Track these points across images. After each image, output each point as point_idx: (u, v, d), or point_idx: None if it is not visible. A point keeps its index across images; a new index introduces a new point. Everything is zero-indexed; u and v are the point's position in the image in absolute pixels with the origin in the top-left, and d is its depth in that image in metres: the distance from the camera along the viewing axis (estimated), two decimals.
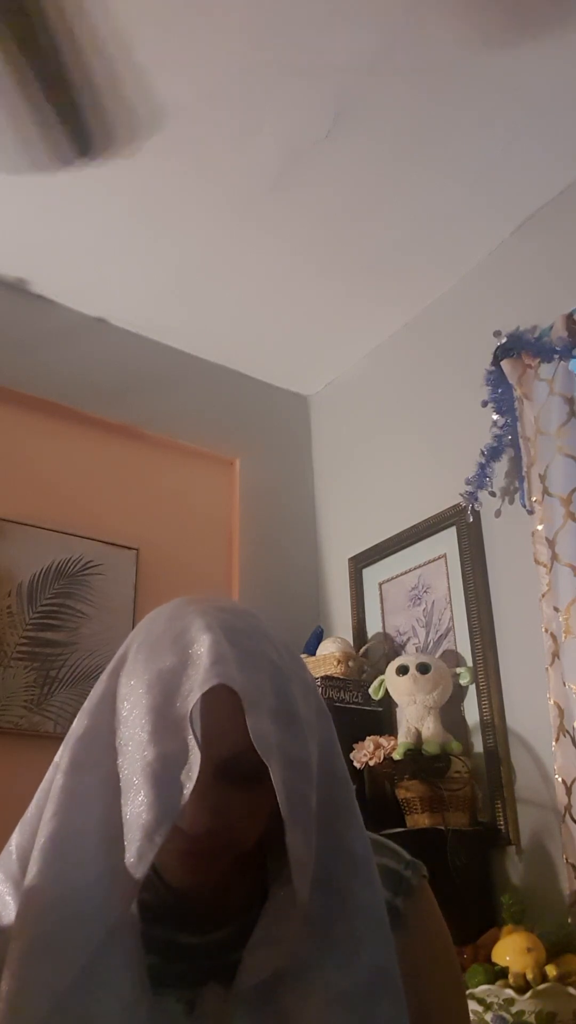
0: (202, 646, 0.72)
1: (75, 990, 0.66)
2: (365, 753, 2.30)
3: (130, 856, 0.67)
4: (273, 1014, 0.70)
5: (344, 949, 0.70)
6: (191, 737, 0.68)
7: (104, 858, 0.69)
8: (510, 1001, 1.60)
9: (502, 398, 2.41)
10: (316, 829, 0.71)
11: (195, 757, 0.68)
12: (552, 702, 2.04)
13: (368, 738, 2.34)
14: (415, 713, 2.31)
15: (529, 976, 1.63)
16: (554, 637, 2.07)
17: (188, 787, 0.67)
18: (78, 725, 0.76)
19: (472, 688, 2.37)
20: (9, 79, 2.02)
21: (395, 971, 0.71)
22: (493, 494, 2.43)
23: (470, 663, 2.39)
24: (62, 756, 0.75)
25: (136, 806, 0.68)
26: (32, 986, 0.65)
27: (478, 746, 2.30)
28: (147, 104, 2.16)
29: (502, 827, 2.16)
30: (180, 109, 2.18)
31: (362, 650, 2.72)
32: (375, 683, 2.49)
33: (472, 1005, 1.64)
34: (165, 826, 0.67)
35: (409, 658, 2.40)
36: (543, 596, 2.13)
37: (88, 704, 0.77)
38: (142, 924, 0.71)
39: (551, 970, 1.65)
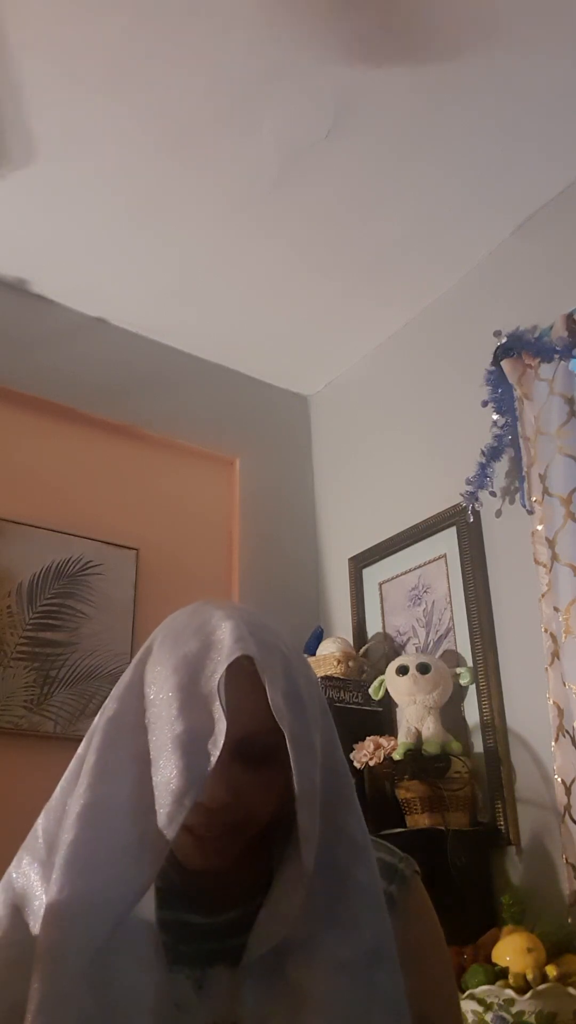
0: (224, 631, 0.78)
1: (101, 952, 0.70)
2: (365, 753, 2.29)
3: (161, 820, 0.72)
4: (281, 984, 0.76)
5: (345, 925, 0.76)
6: (217, 709, 0.74)
7: (135, 824, 0.74)
8: (510, 1001, 1.60)
9: (502, 398, 2.41)
10: (320, 811, 0.77)
11: (221, 726, 0.73)
12: (552, 702, 2.04)
13: (368, 738, 2.33)
14: (415, 713, 2.31)
15: (529, 976, 1.63)
16: (554, 637, 2.07)
17: (215, 755, 0.73)
18: (108, 708, 0.81)
19: (472, 688, 2.37)
20: None
21: (391, 945, 0.77)
22: (493, 494, 2.43)
23: (470, 663, 2.39)
24: (92, 737, 0.80)
25: (166, 774, 0.74)
26: (70, 942, 0.70)
27: (478, 746, 2.30)
28: (145, 104, 2.16)
29: (502, 827, 2.16)
30: (179, 109, 2.18)
31: (362, 650, 2.72)
32: (375, 683, 2.49)
33: (472, 1005, 1.64)
34: (194, 791, 0.73)
35: (409, 658, 2.40)
36: (543, 596, 2.13)
37: (116, 691, 0.83)
38: (155, 905, 0.76)
39: (551, 970, 1.65)
